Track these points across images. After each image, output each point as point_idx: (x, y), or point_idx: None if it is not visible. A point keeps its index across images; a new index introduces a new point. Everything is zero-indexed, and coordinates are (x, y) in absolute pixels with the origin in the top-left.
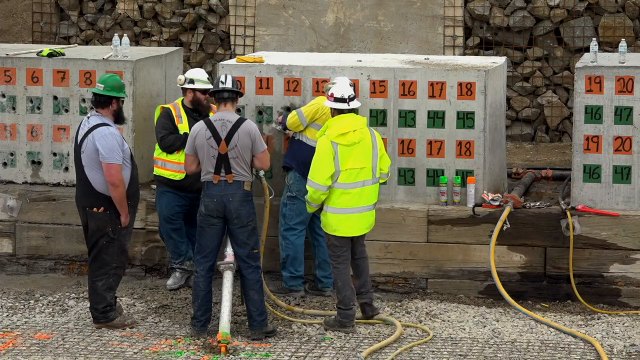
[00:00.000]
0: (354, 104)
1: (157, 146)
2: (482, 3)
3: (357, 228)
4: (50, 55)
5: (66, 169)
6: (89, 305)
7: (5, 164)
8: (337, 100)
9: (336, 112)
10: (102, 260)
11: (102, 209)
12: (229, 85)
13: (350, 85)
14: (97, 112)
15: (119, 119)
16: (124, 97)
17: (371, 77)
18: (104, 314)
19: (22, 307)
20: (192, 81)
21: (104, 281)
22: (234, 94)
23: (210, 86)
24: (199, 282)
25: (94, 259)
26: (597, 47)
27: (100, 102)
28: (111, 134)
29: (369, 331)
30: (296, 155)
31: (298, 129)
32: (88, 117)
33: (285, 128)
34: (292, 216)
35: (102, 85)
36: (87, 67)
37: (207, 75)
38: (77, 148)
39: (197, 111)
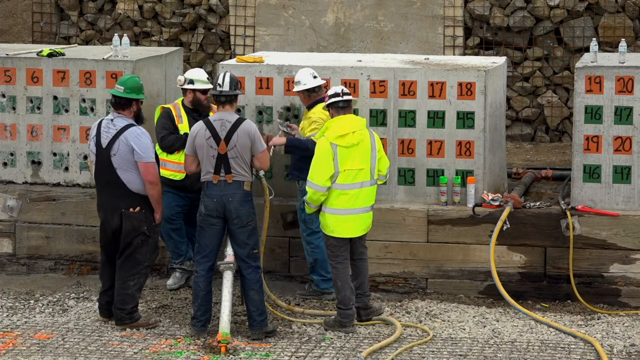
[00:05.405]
0: (348, 97)
1: (157, 146)
2: (482, 3)
3: (354, 229)
4: (50, 55)
5: (66, 169)
6: (113, 306)
7: (5, 164)
8: (331, 97)
9: (334, 111)
10: (135, 260)
11: (137, 208)
12: (226, 87)
13: (314, 76)
14: (119, 113)
15: (138, 119)
16: (143, 99)
17: (371, 77)
18: (130, 314)
19: (22, 307)
20: (192, 81)
21: (136, 280)
22: (231, 97)
23: (210, 86)
24: (199, 282)
25: (127, 259)
26: (597, 47)
27: (121, 104)
28: (144, 133)
29: (369, 331)
30: (304, 167)
31: None
32: (112, 120)
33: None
34: (312, 220)
35: (122, 87)
36: (87, 67)
37: (206, 75)
38: (104, 151)
39: (197, 111)
